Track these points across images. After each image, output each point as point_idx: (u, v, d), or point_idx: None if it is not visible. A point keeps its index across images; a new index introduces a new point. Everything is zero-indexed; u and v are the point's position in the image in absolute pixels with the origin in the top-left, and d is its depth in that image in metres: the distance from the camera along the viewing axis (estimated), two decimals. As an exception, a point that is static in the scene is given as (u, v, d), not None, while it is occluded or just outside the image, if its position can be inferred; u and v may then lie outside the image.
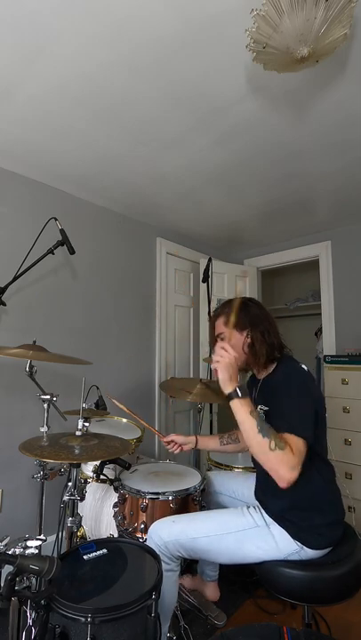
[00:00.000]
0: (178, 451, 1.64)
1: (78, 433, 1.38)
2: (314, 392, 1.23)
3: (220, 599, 1.69)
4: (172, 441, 1.63)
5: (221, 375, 1.20)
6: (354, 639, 1.55)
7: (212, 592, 1.69)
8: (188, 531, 1.26)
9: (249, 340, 1.34)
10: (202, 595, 1.71)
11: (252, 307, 1.40)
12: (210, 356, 1.42)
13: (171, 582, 1.29)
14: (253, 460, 1.40)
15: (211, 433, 2.76)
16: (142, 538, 1.41)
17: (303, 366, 1.29)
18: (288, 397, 1.19)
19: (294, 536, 1.19)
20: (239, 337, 1.35)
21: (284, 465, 1.05)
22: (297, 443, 1.09)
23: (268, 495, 1.30)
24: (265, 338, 1.32)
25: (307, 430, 1.12)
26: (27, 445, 1.26)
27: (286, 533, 1.20)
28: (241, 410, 1.14)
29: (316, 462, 1.22)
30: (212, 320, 1.47)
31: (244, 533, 1.24)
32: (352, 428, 2.45)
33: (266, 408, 1.31)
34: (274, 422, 1.15)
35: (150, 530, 1.33)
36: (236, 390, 1.16)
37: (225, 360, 1.21)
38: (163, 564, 1.16)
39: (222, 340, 1.41)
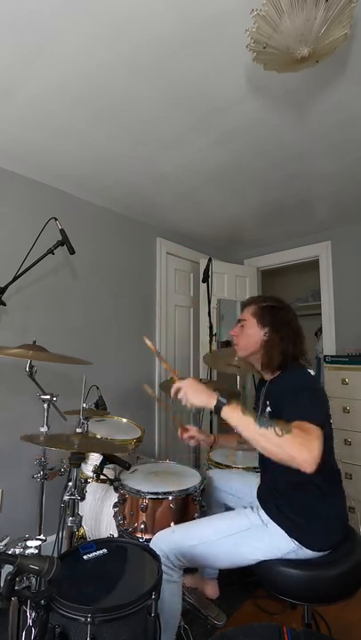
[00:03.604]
0: (194, 443, 1.62)
1: (79, 430, 1.38)
2: (322, 389, 1.27)
3: (220, 599, 1.69)
4: (192, 437, 1.59)
5: (194, 398, 1.13)
6: (354, 639, 1.55)
7: (211, 590, 1.70)
8: (186, 539, 1.26)
9: (265, 338, 1.34)
10: (202, 592, 1.72)
11: (284, 311, 1.39)
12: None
13: (173, 594, 1.26)
14: (259, 459, 1.40)
15: (211, 433, 2.75)
16: (142, 538, 1.41)
17: (310, 371, 1.29)
18: (297, 393, 1.17)
19: (292, 535, 1.18)
20: (257, 330, 1.36)
21: (299, 446, 0.96)
22: (309, 426, 1.02)
23: (270, 494, 1.29)
24: (282, 343, 1.31)
25: (319, 416, 1.06)
26: (27, 438, 1.28)
27: (283, 532, 1.19)
28: (233, 415, 1.07)
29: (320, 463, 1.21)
30: (244, 304, 1.47)
31: (240, 535, 1.23)
32: (352, 428, 2.45)
33: (270, 410, 1.30)
34: (283, 417, 1.08)
35: (151, 543, 1.32)
36: (219, 400, 1.10)
37: (184, 387, 1.16)
38: (164, 574, 1.16)
39: (242, 326, 1.41)
